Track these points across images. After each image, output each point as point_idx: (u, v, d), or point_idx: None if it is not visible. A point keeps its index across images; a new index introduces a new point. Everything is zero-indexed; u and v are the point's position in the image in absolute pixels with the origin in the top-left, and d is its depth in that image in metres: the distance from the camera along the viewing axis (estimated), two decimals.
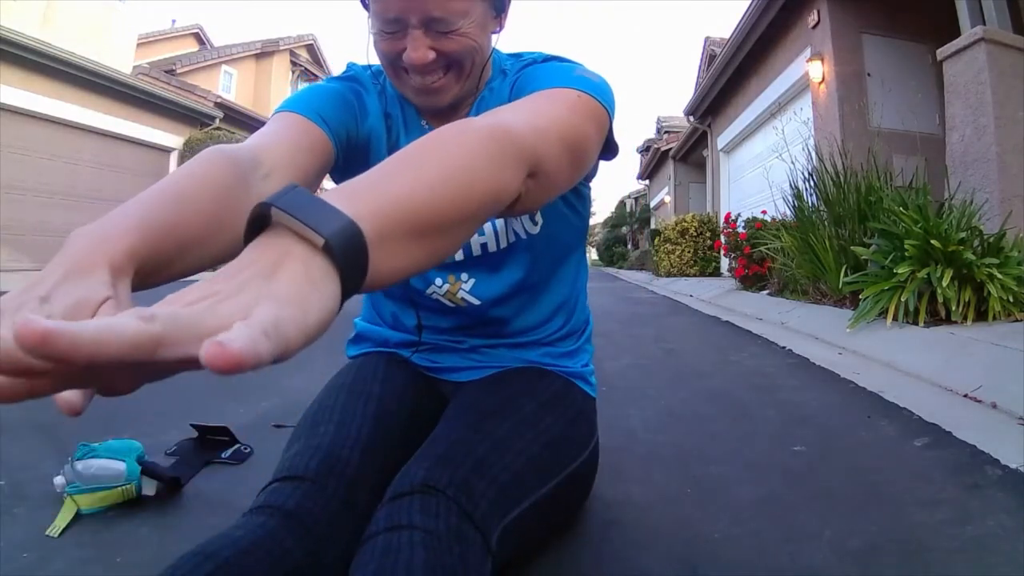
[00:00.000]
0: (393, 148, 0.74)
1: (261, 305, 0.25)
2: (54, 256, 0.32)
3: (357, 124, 0.72)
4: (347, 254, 0.29)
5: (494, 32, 0.70)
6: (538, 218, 0.78)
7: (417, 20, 0.61)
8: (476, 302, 0.80)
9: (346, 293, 0.30)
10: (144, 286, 0.37)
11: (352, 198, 0.32)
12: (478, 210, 0.40)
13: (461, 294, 0.80)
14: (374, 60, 0.69)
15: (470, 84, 0.70)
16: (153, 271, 0.38)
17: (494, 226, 0.78)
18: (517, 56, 0.77)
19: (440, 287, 0.80)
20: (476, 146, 0.41)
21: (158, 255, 0.37)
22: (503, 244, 0.78)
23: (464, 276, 0.80)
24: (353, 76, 0.76)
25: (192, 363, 0.22)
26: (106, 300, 0.30)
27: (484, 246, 0.79)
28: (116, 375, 0.25)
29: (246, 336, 0.22)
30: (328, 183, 0.67)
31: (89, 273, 0.31)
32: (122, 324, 0.21)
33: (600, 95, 0.60)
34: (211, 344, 0.21)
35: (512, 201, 0.45)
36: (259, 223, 0.30)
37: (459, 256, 0.79)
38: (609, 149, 0.67)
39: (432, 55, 0.63)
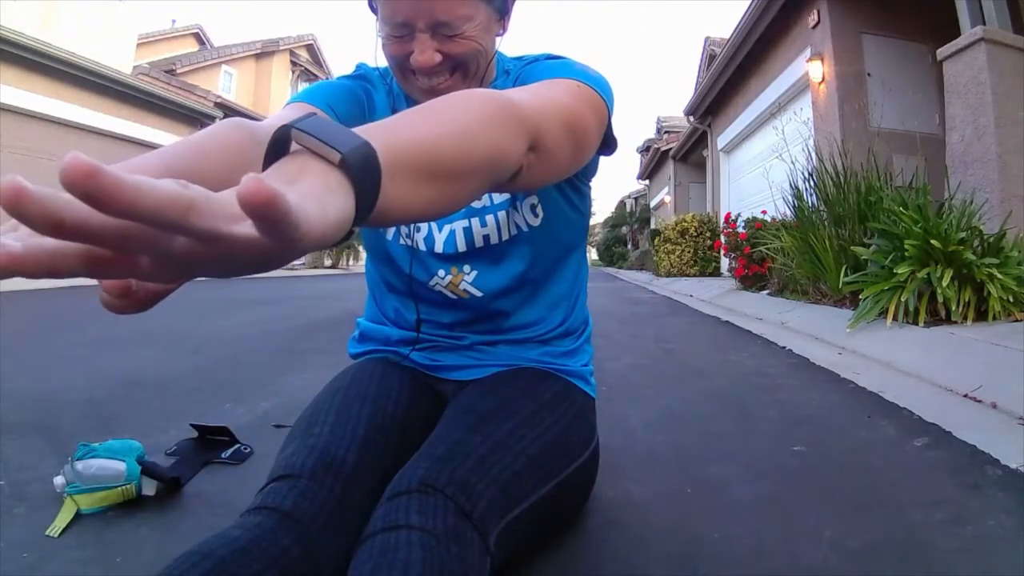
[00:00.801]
0: None
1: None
2: None
3: (365, 118, 0.74)
4: (362, 170, 0.31)
5: (497, 35, 0.72)
6: (539, 211, 0.79)
7: (424, 24, 0.63)
8: (478, 294, 0.81)
9: (360, 213, 0.31)
10: None
11: (364, 135, 0.34)
12: (480, 165, 0.42)
13: (463, 285, 0.81)
14: (382, 62, 0.72)
15: (474, 85, 0.71)
16: None
17: (496, 218, 0.79)
18: (519, 58, 0.80)
19: (443, 278, 0.81)
20: (480, 109, 0.43)
21: None
22: (505, 236, 0.80)
23: (466, 268, 0.81)
24: (362, 75, 0.79)
25: (217, 244, 0.23)
26: None
27: (486, 238, 0.80)
28: (141, 259, 0.24)
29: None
30: None
31: None
32: (160, 181, 0.21)
33: (599, 87, 0.62)
34: (249, 178, 0.21)
35: (514, 174, 0.47)
36: (278, 150, 0.32)
37: (462, 247, 0.80)
38: (608, 144, 0.68)
39: (438, 57, 0.65)
